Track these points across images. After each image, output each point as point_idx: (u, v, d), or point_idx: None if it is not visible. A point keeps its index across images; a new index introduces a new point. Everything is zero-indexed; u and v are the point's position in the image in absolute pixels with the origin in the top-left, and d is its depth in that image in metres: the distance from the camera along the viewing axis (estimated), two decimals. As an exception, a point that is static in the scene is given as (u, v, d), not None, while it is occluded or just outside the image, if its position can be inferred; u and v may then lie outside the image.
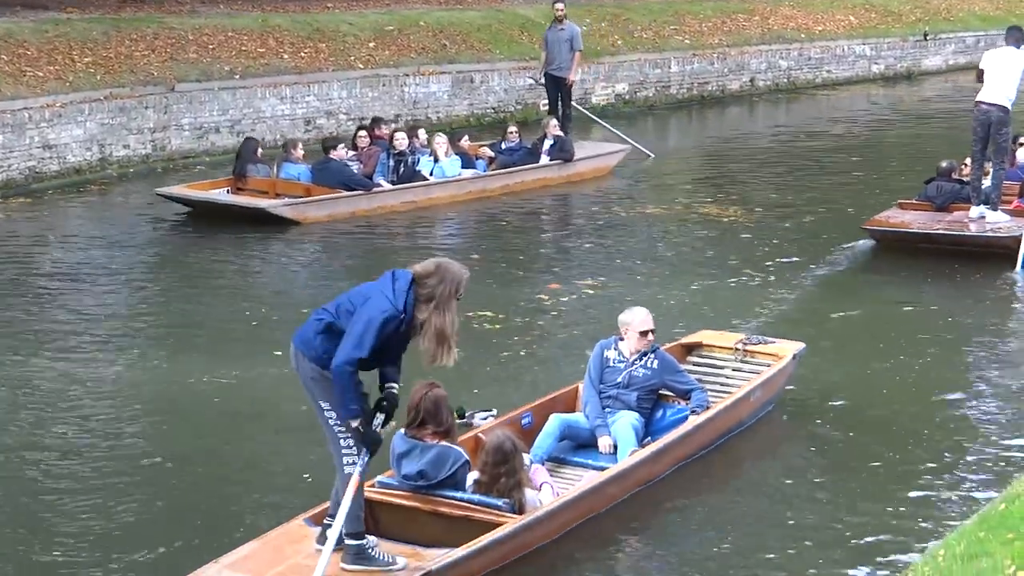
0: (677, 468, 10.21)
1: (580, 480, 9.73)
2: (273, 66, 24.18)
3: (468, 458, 9.01)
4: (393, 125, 21.12)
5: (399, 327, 8.03)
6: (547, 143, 20.85)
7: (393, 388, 8.21)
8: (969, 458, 10.72)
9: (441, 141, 19.61)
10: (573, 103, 23.87)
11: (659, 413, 10.59)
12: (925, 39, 36.46)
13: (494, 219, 18.90)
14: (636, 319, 10.62)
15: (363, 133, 19.85)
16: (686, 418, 10.42)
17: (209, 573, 8.11)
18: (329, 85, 24.49)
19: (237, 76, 23.44)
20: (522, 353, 12.98)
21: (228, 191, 18.62)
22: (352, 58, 25.29)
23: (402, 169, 19.11)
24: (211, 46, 23.95)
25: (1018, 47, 16.71)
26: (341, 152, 18.84)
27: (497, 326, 13.61)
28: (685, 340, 11.93)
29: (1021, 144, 18.51)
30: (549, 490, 9.33)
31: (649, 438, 10.36)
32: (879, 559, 9.06)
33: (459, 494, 8.84)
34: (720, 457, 10.66)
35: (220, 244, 17.18)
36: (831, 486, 10.24)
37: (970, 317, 14.74)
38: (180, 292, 15.25)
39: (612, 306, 14.37)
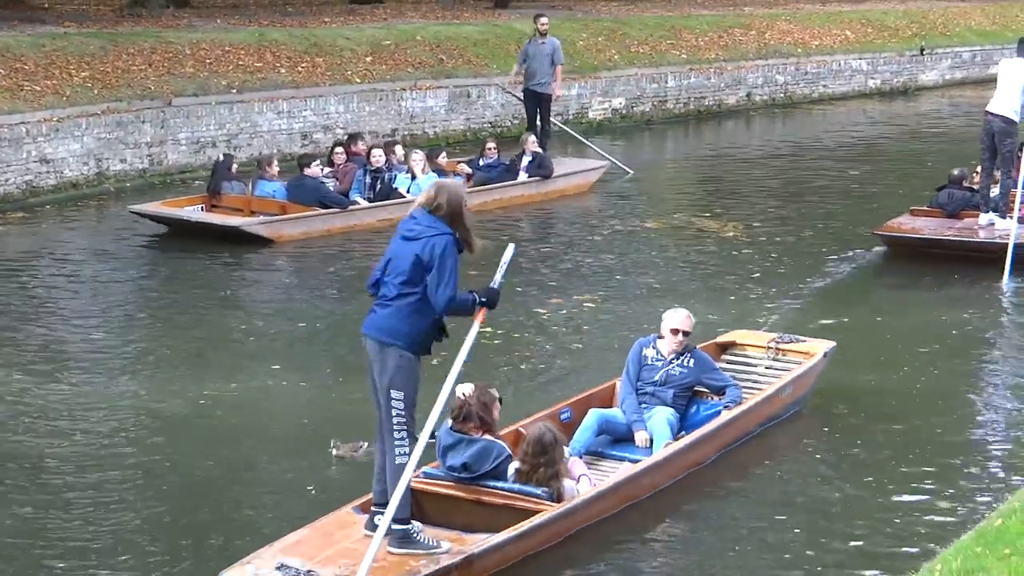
0: (711, 460, 10.59)
1: (616, 472, 10.04)
2: (270, 80, 24.20)
3: (510, 452, 9.40)
4: (370, 141, 20.85)
5: (458, 248, 8.70)
6: (525, 160, 20.61)
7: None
8: (969, 471, 10.72)
9: (418, 158, 19.14)
10: (552, 119, 23.47)
11: (694, 408, 10.94)
12: (922, 54, 36.52)
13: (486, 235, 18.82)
14: (669, 317, 11.05)
15: (339, 150, 19.56)
16: (719, 413, 10.77)
17: (264, 556, 8.49)
18: (326, 99, 24.50)
19: (234, 90, 23.46)
20: (523, 367, 12.98)
21: (202, 208, 18.35)
22: (349, 72, 25.31)
23: (379, 186, 18.80)
24: (208, 60, 23.97)
25: None
26: (316, 169, 18.50)
27: (496, 341, 13.61)
28: (719, 339, 12.35)
29: None
30: (586, 481, 9.62)
31: (683, 432, 10.68)
32: (874, 573, 9.06)
33: (500, 483, 9.25)
34: (753, 450, 11.00)
35: (206, 260, 16.99)
36: (831, 495, 10.28)
37: (977, 323, 14.87)
38: (169, 307, 15.17)
39: (612, 321, 14.44)
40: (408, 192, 18.91)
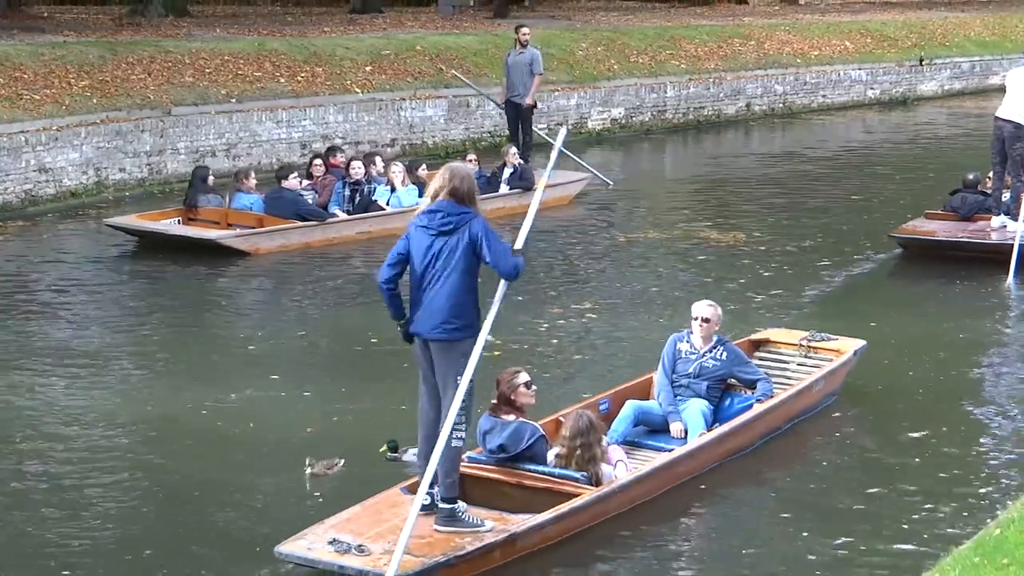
0: (742, 452, 10.92)
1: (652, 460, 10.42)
2: (270, 90, 24.21)
3: (543, 432, 9.86)
4: (349, 153, 20.60)
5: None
6: (507, 171, 20.34)
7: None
8: (970, 478, 10.69)
9: (398, 170, 18.94)
10: (534, 129, 23.11)
11: (727, 401, 11.26)
12: (921, 64, 36.56)
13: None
14: (694, 308, 11.44)
15: (318, 162, 19.31)
16: (751, 406, 11.10)
17: (316, 532, 8.90)
18: (326, 109, 24.51)
19: (233, 100, 23.47)
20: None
21: (179, 221, 18.13)
22: (349, 82, 25.33)
23: (358, 199, 18.56)
24: (208, 70, 23.99)
25: None
26: (294, 182, 18.25)
27: (496, 352, 13.60)
28: (753, 337, 12.73)
29: None
30: (623, 467, 10.00)
31: (717, 424, 11.01)
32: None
33: (540, 467, 9.69)
34: (784, 443, 11.32)
35: (182, 273, 16.82)
36: (830, 500, 10.31)
37: (984, 327, 14.98)
38: (158, 317, 15.09)
39: (613, 331, 14.41)
40: (388, 204, 18.71)
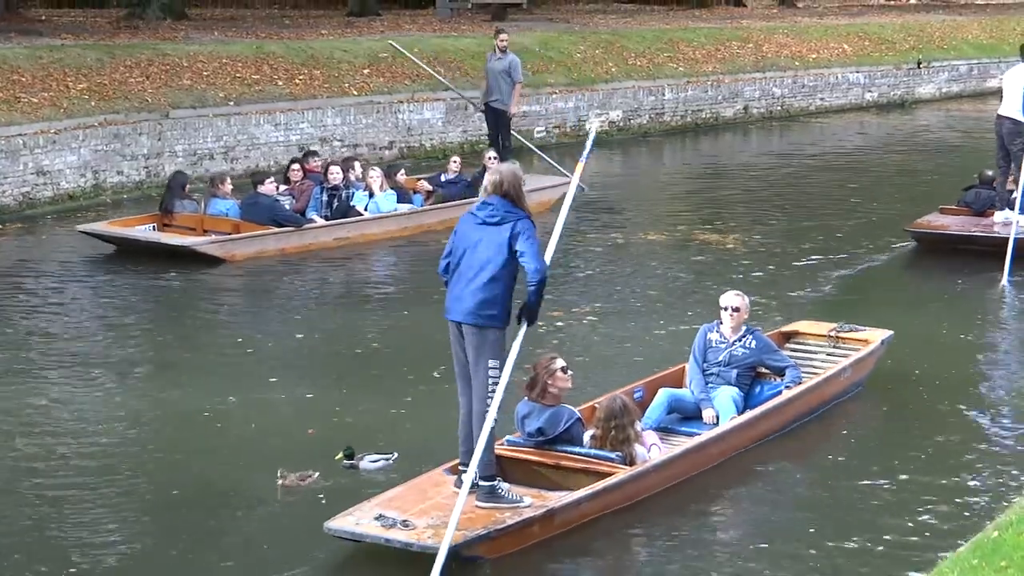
0: (771, 437, 11.33)
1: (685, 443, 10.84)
2: (267, 92, 24.22)
3: (580, 416, 10.24)
4: (328, 158, 20.40)
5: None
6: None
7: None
8: (969, 480, 10.68)
9: (376, 175, 18.79)
10: (513, 133, 22.80)
11: (757, 389, 11.67)
12: (919, 67, 36.58)
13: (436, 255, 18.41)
14: (722, 299, 11.84)
15: (296, 167, 19.04)
16: (780, 392, 11.51)
17: (363, 509, 9.30)
18: (323, 112, 24.51)
19: (231, 103, 23.46)
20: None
21: (154, 228, 17.90)
22: (346, 84, 25.33)
23: (336, 204, 18.31)
24: (205, 73, 23.99)
25: None
26: (270, 187, 18.04)
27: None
28: (783, 329, 13.16)
29: None
30: (657, 451, 10.38)
31: (748, 410, 11.40)
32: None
33: (577, 448, 10.09)
34: (813, 428, 11.73)
35: (157, 280, 16.67)
36: (828, 498, 10.36)
37: (986, 325, 15.16)
38: (128, 325, 14.97)
39: (614, 333, 14.40)
40: (366, 210, 18.54)
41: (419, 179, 20.24)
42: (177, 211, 18.05)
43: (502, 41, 22.57)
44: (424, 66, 24.01)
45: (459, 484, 9.36)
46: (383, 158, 24.74)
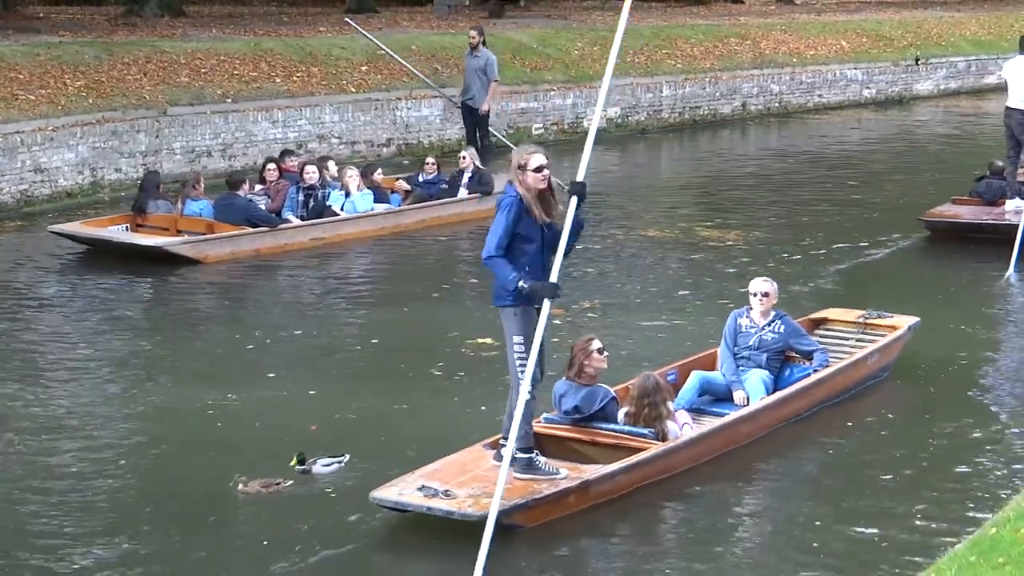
0: (799, 417, 11.71)
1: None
2: (265, 90, 24.20)
3: (615, 394, 10.64)
4: (303, 157, 20.25)
5: (518, 208, 9.65)
6: (465, 175, 19.85)
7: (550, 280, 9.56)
8: (965, 478, 10.68)
9: (353, 175, 18.58)
10: (492, 130, 22.65)
11: (786, 372, 12.04)
12: (917, 64, 36.58)
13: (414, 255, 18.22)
14: (751, 285, 12.22)
15: (271, 166, 18.82)
16: (809, 375, 11.89)
17: (407, 480, 9.69)
18: (321, 109, 24.50)
19: (229, 100, 23.46)
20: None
21: (127, 228, 17.71)
22: (344, 82, 25.33)
23: (311, 204, 18.16)
24: (203, 70, 23.98)
25: None
26: (245, 187, 17.90)
27: (494, 352, 13.62)
28: (813, 316, 13.47)
29: None
30: (689, 429, 10.76)
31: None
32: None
33: (611, 425, 10.49)
34: (835, 413, 12.01)
35: (129, 281, 16.49)
36: (828, 500, 10.39)
37: (990, 319, 15.27)
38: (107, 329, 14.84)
39: (614, 328, 14.38)
40: (342, 210, 18.38)
41: (397, 179, 20.11)
42: (151, 211, 17.86)
43: (471, 39, 22.43)
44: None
45: (498, 458, 9.73)
46: (381, 155, 24.77)
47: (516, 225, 9.64)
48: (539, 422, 10.44)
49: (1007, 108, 18.95)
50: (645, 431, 10.43)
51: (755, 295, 12.06)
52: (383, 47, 23.13)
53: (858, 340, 12.96)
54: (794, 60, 33.83)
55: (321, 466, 10.49)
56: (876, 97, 35.29)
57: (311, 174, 18.30)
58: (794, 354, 12.12)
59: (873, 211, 21.23)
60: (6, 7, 30.59)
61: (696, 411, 11.45)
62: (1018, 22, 41.76)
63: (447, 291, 16.43)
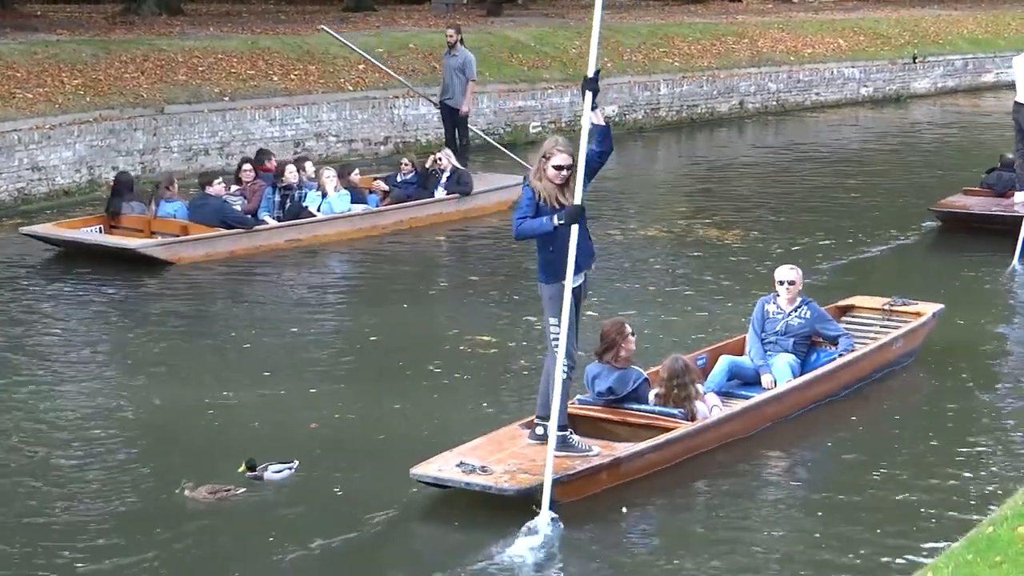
0: (824, 400, 12.06)
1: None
2: (263, 88, 24.20)
3: (647, 376, 10.99)
4: (281, 157, 20.07)
5: (533, 197, 10.07)
6: (444, 175, 19.71)
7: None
8: (960, 476, 10.68)
9: (330, 175, 18.42)
10: (473, 129, 22.51)
11: (813, 356, 12.40)
12: (914, 62, 36.58)
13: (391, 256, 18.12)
14: (776, 272, 12.58)
15: (247, 167, 18.53)
16: (834, 360, 12.26)
17: (446, 457, 10.03)
18: (319, 107, 24.50)
19: (227, 98, 23.45)
20: (525, 375, 12.95)
21: (100, 230, 17.52)
22: (342, 80, 25.32)
23: (288, 204, 17.97)
24: (201, 68, 23.97)
25: None
26: (219, 187, 17.64)
27: (492, 351, 13.63)
28: (840, 303, 13.80)
29: None
30: (717, 411, 11.12)
31: None
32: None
33: (642, 406, 10.87)
34: (859, 396, 12.36)
35: (102, 283, 16.29)
36: (826, 498, 10.40)
37: (993, 317, 15.23)
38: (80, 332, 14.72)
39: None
40: (319, 210, 18.23)
41: (375, 179, 19.94)
42: (124, 212, 17.69)
43: (449, 38, 22.25)
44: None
45: (534, 436, 10.26)
46: (378, 153, 24.78)
47: (536, 212, 10.03)
48: (573, 403, 10.75)
49: (1016, 103, 19.23)
50: (675, 411, 10.79)
51: (781, 283, 12.41)
52: (358, 50, 22.97)
53: (883, 326, 13.29)
54: (792, 58, 33.83)
55: (272, 472, 10.33)
56: (873, 95, 35.29)
57: (290, 174, 18.12)
58: (820, 339, 12.49)
59: (873, 209, 21.24)
60: (4, 5, 30.57)
61: (725, 394, 11.77)
62: (1015, 20, 41.84)
63: (440, 290, 16.48)
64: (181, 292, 16.08)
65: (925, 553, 9.12)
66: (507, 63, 28.18)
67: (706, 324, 14.44)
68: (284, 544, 9.31)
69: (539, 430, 10.24)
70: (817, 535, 9.59)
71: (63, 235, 17.46)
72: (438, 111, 22.69)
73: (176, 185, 18.16)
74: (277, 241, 17.77)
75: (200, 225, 17.38)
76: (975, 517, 9.66)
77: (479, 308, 15.40)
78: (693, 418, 10.81)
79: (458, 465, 9.86)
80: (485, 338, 13.90)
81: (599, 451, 10.24)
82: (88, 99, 21.71)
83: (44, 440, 11.18)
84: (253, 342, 14.05)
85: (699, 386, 11.12)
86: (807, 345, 12.40)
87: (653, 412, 10.83)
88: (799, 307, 12.40)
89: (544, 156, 10.13)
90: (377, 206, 19.16)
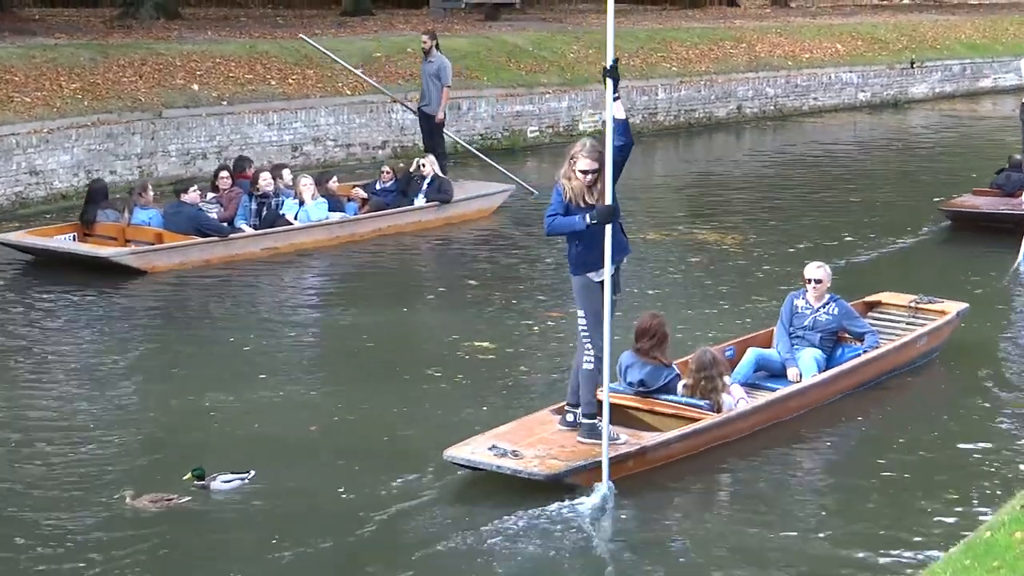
0: (850, 393, 12.35)
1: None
2: (260, 92, 24.20)
3: (679, 372, 11.36)
4: (257, 165, 19.78)
5: (561, 195, 10.29)
6: (425, 183, 19.55)
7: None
8: (959, 482, 10.67)
9: (307, 183, 18.23)
10: (452, 135, 22.38)
11: (839, 352, 12.72)
12: (912, 67, 36.61)
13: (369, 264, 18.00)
14: (806, 270, 12.91)
15: (224, 174, 18.31)
16: (860, 355, 12.54)
17: (477, 440, 10.40)
18: (316, 111, 24.51)
19: (224, 102, 23.45)
20: (524, 379, 12.98)
21: (74, 238, 17.32)
22: (339, 84, 25.32)
23: (264, 212, 17.80)
24: (199, 72, 23.98)
25: None
26: (194, 195, 17.43)
27: (491, 356, 13.63)
28: (867, 299, 14.09)
29: None
30: (744, 403, 11.41)
31: None
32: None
33: (670, 397, 11.24)
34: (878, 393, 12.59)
35: (78, 292, 16.07)
36: (824, 499, 10.45)
37: (994, 322, 15.25)
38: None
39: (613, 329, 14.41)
40: (296, 218, 18.07)
41: (354, 186, 19.80)
42: (99, 220, 17.52)
43: (423, 44, 22.07)
44: (344, 63, 23.34)
45: (564, 422, 10.69)
46: (376, 158, 24.77)
47: (566, 210, 10.24)
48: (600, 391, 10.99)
49: (1022, 104, 19.78)
50: (702, 403, 11.12)
51: (809, 281, 12.74)
52: (338, 59, 22.98)
53: (908, 323, 13.56)
54: (789, 63, 33.85)
55: (221, 482, 10.19)
56: (871, 100, 35.33)
57: (266, 182, 17.98)
58: (847, 335, 12.76)
59: (872, 213, 21.25)
60: (1, 8, 30.57)
61: (751, 386, 12.08)
62: (1012, 26, 41.88)
63: (432, 297, 16.45)
64: (152, 301, 15.87)
65: (923, 558, 9.11)
66: (505, 67, 28.19)
67: (707, 327, 14.44)
68: (284, 544, 9.31)
69: (569, 416, 10.65)
70: (816, 535, 9.57)
71: (35, 243, 17.26)
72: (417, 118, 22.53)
73: (151, 192, 17.94)
74: (253, 249, 17.57)
75: (175, 233, 17.18)
76: (975, 520, 9.66)
77: (467, 311, 15.37)
78: (719, 409, 11.13)
79: (490, 448, 10.19)
80: (485, 344, 13.89)
81: (627, 439, 10.56)
82: (86, 103, 21.71)
83: (10, 448, 11.11)
84: (228, 349, 13.90)
85: (726, 379, 11.41)
86: (833, 340, 12.71)
87: (680, 403, 11.16)
88: (827, 304, 12.72)
89: (571, 158, 10.36)
90: (355, 214, 19.00)
